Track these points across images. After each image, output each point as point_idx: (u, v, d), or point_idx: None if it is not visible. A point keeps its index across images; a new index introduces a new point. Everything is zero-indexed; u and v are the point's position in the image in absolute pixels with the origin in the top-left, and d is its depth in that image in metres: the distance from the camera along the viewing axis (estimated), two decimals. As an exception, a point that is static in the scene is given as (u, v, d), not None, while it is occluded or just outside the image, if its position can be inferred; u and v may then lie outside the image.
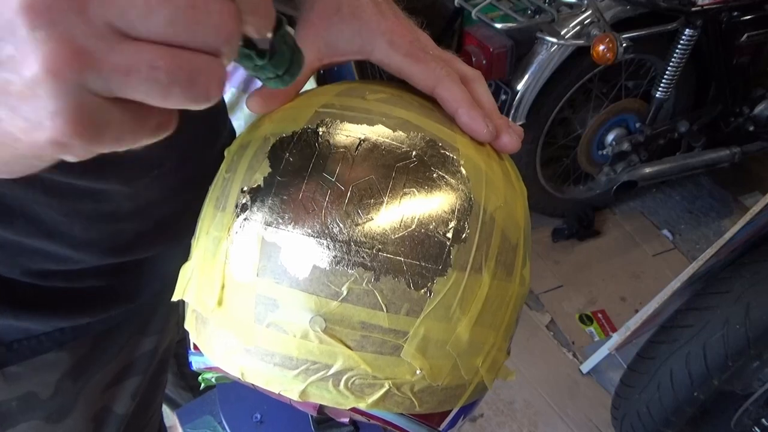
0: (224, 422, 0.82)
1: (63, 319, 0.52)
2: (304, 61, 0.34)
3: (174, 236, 0.55)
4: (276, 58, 0.32)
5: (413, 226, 0.36)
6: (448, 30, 1.90)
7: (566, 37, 1.67)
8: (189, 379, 1.00)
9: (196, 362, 0.42)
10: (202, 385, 0.48)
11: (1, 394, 0.51)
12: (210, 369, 0.42)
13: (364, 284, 0.35)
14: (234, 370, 0.38)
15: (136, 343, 0.62)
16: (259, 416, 0.82)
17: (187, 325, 0.43)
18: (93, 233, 0.49)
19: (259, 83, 0.37)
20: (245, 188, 0.38)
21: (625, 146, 1.95)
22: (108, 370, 0.59)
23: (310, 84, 0.51)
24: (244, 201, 0.38)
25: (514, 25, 1.63)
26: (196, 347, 0.42)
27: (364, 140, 0.38)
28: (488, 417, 1.65)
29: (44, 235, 0.46)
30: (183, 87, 0.23)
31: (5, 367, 0.50)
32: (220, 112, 0.60)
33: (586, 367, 1.75)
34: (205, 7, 0.23)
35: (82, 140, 0.23)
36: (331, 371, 0.36)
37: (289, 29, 0.32)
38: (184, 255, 0.44)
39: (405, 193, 0.37)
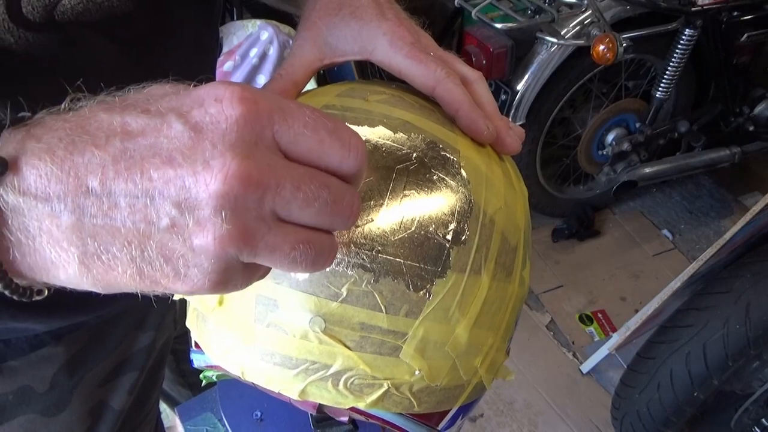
0: (224, 419, 0.82)
1: (62, 318, 0.52)
2: None
3: None
4: None
5: (413, 228, 0.36)
6: (448, 30, 1.90)
7: (566, 37, 1.67)
8: (188, 376, 1.00)
9: (197, 360, 0.43)
10: (203, 383, 0.48)
11: None
12: (211, 367, 0.42)
13: (363, 285, 0.35)
14: (234, 369, 0.38)
15: (132, 338, 0.62)
16: (259, 414, 0.82)
17: (188, 323, 0.43)
18: None
19: (260, 84, 0.37)
20: None
21: (625, 146, 1.95)
22: (104, 365, 0.59)
23: (311, 84, 0.51)
24: None
25: (514, 25, 1.63)
26: (197, 345, 0.42)
27: (365, 141, 0.38)
28: (488, 417, 1.65)
29: None
30: (307, 262, 0.28)
31: (3, 363, 0.50)
32: None
33: (586, 367, 1.75)
34: (341, 199, 0.29)
35: (211, 292, 0.28)
36: (331, 371, 0.36)
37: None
38: None
39: (405, 195, 0.37)
